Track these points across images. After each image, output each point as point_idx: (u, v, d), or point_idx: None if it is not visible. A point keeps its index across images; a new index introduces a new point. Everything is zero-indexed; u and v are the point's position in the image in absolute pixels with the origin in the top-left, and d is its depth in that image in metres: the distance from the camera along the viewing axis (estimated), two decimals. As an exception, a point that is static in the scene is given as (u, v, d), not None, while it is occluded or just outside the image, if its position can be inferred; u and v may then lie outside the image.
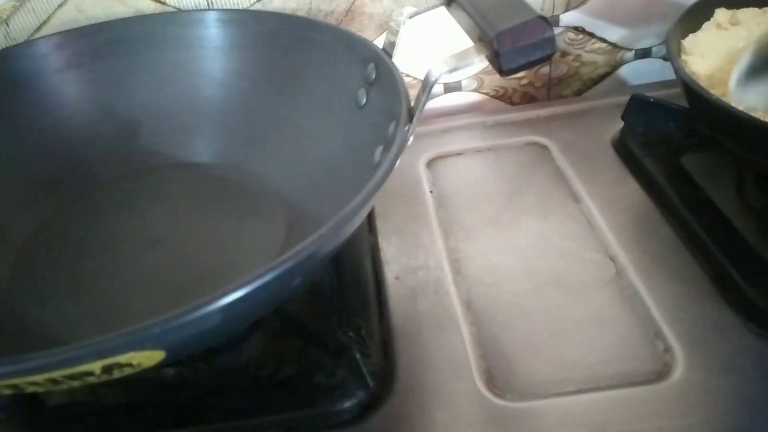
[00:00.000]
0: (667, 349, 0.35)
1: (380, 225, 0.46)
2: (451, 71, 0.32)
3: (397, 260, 0.43)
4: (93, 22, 0.49)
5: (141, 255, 0.41)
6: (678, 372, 0.34)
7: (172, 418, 0.35)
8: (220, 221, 0.43)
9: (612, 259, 0.41)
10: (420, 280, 0.41)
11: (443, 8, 0.38)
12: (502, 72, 0.31)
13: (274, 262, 0.26)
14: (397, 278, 0.42)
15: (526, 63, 0.31)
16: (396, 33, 0.39)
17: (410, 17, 0.39)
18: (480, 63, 0.32)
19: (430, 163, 0.52)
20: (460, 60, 0.32)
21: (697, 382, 0.33)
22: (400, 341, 0.37)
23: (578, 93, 0.60)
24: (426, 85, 0.33)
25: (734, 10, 0.47)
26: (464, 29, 0.35)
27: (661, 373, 0.34)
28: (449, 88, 0.58)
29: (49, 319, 0.38)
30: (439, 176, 0.50)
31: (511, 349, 0.36)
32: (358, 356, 0.34)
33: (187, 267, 0.40)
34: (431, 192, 0.49)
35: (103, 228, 0.43)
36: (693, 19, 0.47)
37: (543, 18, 0.31)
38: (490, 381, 0.35)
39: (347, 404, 0.34)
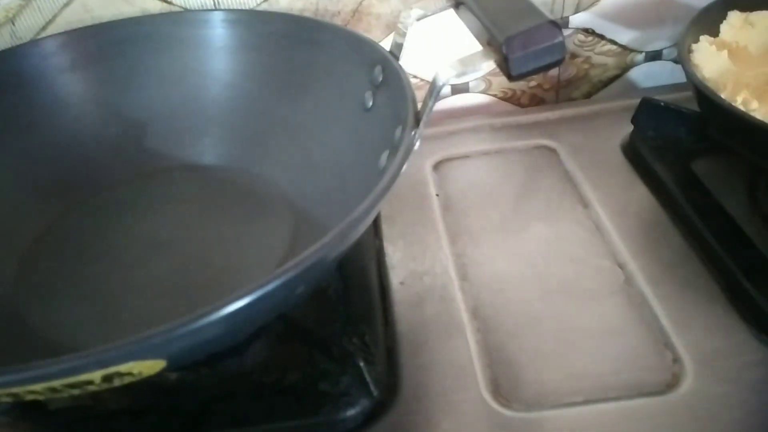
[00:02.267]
0: (676, 360, 0.35)
1: (386, 229, 0.45)
2: (458, 75, 0.32)
3: (402, 265, 0.42)
4: (99, 21, 0.49)
5: (147, 258, 0.41)
6: (687, 383, 0.33)
7: (175, 423, 0.35)
8: (225, 224, 0.42)
9: (621, 266, 0.40)
10: (426, 286, 0.41)
11: (451, 10, 0.37)
12: (511, 77, 0.31)
13: (277, 270, 0.25)
14: (402, 283, 0.41)
15: (536, 68, 0.31)
16: (403, 35, 0.39)
17: (418, 19, 0.39)
18: (488, 67, 0.32)
19: (437, 166, 0.51)
20: (467, 64, 0.32)
21: (706, 394, 0.33)
22: (405, 348, 0.37)
23: (587, 95, 0.59)
24: (433, 90, 0.32)
25: (747, 13, 0.46)
26: (472, 32, 0.35)
27: (670, 384, 0.34)
28: (456, 90, 0.57)
29: (55, 321, 0.37)
30: (446, 179, 0.50)
31: (518, 358, 0.36)
32: (362, 364, 0.33)
33: (192, 271, 0.40)
34: (437, 195, 0.48)
35: (108, 230, 0.43)
36: (706, 22, 0.46)
37: (553, 23, 0.30)
38: (497, 390, 0.34)
39: (351, 412, 0.33)
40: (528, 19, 0.30)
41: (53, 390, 0.24)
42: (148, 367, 0.25)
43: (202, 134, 0.46)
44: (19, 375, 0.22)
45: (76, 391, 0.25)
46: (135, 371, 0.24)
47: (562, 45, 0.30)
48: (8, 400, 0.25)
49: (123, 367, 0.24)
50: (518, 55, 0.30)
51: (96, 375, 0.23)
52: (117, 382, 0.25)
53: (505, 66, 0.30)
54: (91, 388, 0.25)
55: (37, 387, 0.23)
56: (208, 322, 0.24)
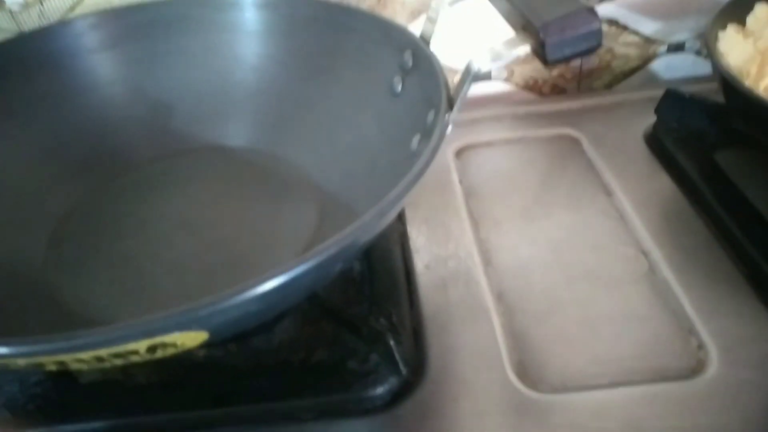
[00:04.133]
0: (701, 346, 0.35)
1: (409, 214, 0.46)
2: (493, 61, 0.32)
3: (426, 249, 0.43)
4: (127, 3, 0.49)
5: (174, 237, 0.41)
6: (712, 369, 0.34)
7: (204, 398, 0.35)
8: (252, 206, 0.43)
9: (645, 254, 0.41)
10: (450, 270, 0.41)
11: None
12: (547, 63, 0.31)
13: (318, 247, 0.26)
14: (427, 267, 0.42)
15: (572, 54, 0.31)
16: (434, 21, 0.39)
17: (449, 5, 0.39)
18: (522, 53, 0.32)
19: (459, 153, 0.51)
20: (503, 49, 0.32)
21: (731, 379, 0.33)
22: (430, 330, 0.37)
23: (608, 86, 0.60)
24: (467, 75, 0.33)
25: (775, 5, 0.46)
26: (505, 18, 0.35)
27: (695, 369, 0.34)
28: (478, 77, 0.57)
29: (84, 297, 0.38)
30: (469, 166, 0.50)
31: (542, 342, 0.36)
32: (391, 342, 0.34)
33: (219, 251, 0.40)
34: (460, 182, 0.48)
35: (136, 209, 0.43)
36: (733, 13, 0.46)
37: (591, 9, 0.30)
38: (522, 372, 0.35)
39: (379, 390, 0.34)
40: (565, 4, 0.31)
41: (99, 359, 0.24)
42: (191, 338, 0.25)
43: (229, 116, 0.47)
44: (71, 342, 0.23)
45: (120, 361, 0.25)
46: (179, 342, 0.25)
47: (599, 31, 0.30)
48: (54, 368, 0.25)
49: (168, 338, 0.24)
50: (555, 41, 0.30)
51: (142, 344, 0.24)
52: (160, 353, 0.25)
53: (541, 51, 0.31)
54: (135, 358, 0.25)
55: (85, 355, 0.24)
56: (251, 296, 0.24)
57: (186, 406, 0.35)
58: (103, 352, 0.24)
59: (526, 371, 0.35)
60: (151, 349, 0.25)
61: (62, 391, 0.36)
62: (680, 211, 0.44)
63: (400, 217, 0.46)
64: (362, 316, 0.37)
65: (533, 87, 0.59)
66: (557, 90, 0.59)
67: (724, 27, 0.46)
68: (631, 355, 0.35)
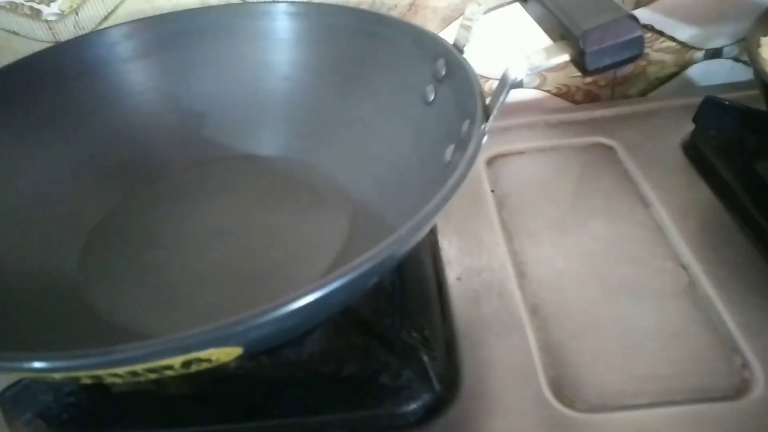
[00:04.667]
0: (745, 365, 0.34)
1: (440, 224, 0.45)
2: (531, 70, 0.31)
3: (458, 261, 0.42)
4: (159, 12, 0.49)
5: (206, 245, 0.41)
6: (758, 389, 0.33)
7: (235, 410, 0.35)
8: (283, 215, 0.43)
9: (684, 267, 0.40)
10: (483, 282, 0.40)
11: (517, 4, 0.37)
12: (587, 72, 0.30)
13: (355, 262, 0.25)
14: (459, 279, 0.41)
15: (612, 63, 0.30)
16: (469, 29, 0.38)
17: (485, 13, 0.38)
18: (561, 62, 0.31)
19: (491, 162, 0.51)
20: (542, 58, 0.31)
21: (778, 401, 0.32)
22: (464, 344, 0.37)
23: (643, 93, 0.58)
24: (505, 84, 0.32)
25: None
26: (542, 26, 0.34)
27: (740, 389, 0.33)
28: (514, 86, 0.57)
29: (117, 305, 0.38)
30: (500, 175, 0.49)
31: (579, 358, 0.35)
32: (425, 358, 0.33)
33: (251, 260, 0.40)
34: (492, 191, 0.48)
35: (168, 217, 0.43)
36: (775, 19, 0.45)
37: (632, 17, 0.29)
38: (558, 390, 0.34)
39: (412, 406, 0.33)
40: (605, 12, 0.30)
41: (134, 374, 0.24)
42: (226, 354, 0.25)
43: (261, 125, 0.47)
44: (106, 358, 0.22)
45: (153, 375, 0.25)
46: (213, 358, 0.25)
47: (641, 40, 0.29)
48: (89, 381, 0.25)
49: (203, 354, 0.24)
50: (595, 50, 0.29)
51: (177, 360, 0.24)
52: (194, 368, 0.25)
53: (581, 61, 0.30)
54: (169, 373, 0.25)
55: (120, 370, 0.24)
56: (288, 312, 0.24)
57: (217, 419, 0.35)
58: (138, 367, 0.24)
59: (562, 388, 0.34)
60: (186, 364, 0.25)
61: (95, 401, 0.37)
62: (720, 222, 0.42)
63: (432, 228, 0.45)
64: (394, 329, 0.36)
65: (566, 94, 0.58)
66: (590, 97, 0.58)
67: (766, 33, 0.44)
68: (671, 373, 0.34)
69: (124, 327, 0.37)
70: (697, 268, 0.39)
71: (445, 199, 0.28)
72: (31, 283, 0.38)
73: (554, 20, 0.32)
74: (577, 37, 0.29)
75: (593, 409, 0.33)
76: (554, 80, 0.57)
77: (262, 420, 0.34)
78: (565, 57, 0.31)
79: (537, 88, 0.57)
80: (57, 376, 0.24)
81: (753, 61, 0.42)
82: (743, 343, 0.35)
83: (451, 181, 0.29)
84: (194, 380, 0.36)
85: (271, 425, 0.34)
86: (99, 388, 0.37)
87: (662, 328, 0.36)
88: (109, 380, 0.25)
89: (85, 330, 0.36)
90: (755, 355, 0.34)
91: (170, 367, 0.24)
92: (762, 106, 0.44)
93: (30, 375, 0.31)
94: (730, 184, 0.44)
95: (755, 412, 0.32)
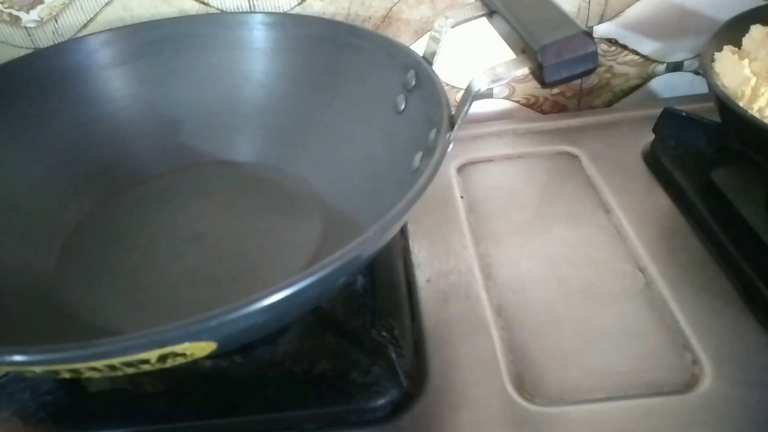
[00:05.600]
0: (696, 361, 0.36)
1: (411, 228, 0.47)
2: (493, 82, 0.33)
3: (428, 263, 0.44)
4: (138, 20, 0.50)
5: (182, 249, 0.42)
6: (706, 384, 0.35)
7: (209, 408, 0.36)
8: (258, 220, 0.44)
9: (641, 270, 0.42)
10: (451, 284, 0.42)
11: (483, 19, 0.39)
12: (545, 84, 0.32)
13: (324, 260, 0.27)
14: (428, 281, 0.43)
15: (569, 76, 0.32)
16: (438, 41, 0.40)
17: (452, 27, 0.40)
18: (521, 74, 0.33)
19: (461, 169, 0.52)
20: (502, 71, 0.33)
21: (725, 395, 0.34)
22: (431, 343, 0.38)
23: (608, 104, 0.61)
24: (468, 95, 0.34)
25: (770, 27, 0.47)
26: (505, 40, 0.36)
27: (690, 384, 0.35)
28: (480, 95, 0.58)
29: (94, 306, 0.39)
30: (470, 182, 0.51)
31: (541, 355, 0.37)
32: (393, 355, 0.35)
33: (226, 263, 0.41)
34: (462, 197, 0.49)
35: (145, 221, 0.44)
36: (729, 34, 0.47)
37: (587, 33, 0.31)
38: (520, 385, 0.36)
39: (381, 402, 0.35)
40: (562, 28, 0.32)
41: (112, 368, 0.25)
42: (200, 348, 0.26)
43: (237, 132, 0.48)
44: (85, 351, 0.24)
45: (131, 370, 0.26)
46: (188, 352, 0.26)
47: (595, 54, 0.31)
48: (68, 375, 0.26)
49: (178, 348, 0.25)
50: (553, 63, 0.31)
51: (153, 354, 0.25)
52: (170, 363, 0.26)
53: (539, 73, 0.32)
54: (146, 367, 0.26)
55: (98, 364, 0.25)
56: (259, 308, 0.25)
57: (192, 416, 0.36)
58: (116, 360, 0.25)
59: (523, 384, 0.36)
60: (162, 358, 0.26)
61: (72, 400, 0.37)
62: (676, 227, 0.44)
63: (402, 232, 0.47)
64: (365, 328, 0.38)
65: (534, 105, 0.60)
66: (558, 107, 0.60)
67: (720, 48, 0.47)
68: (626, 369, 0.36)
69: (101, 327, 0.38)
70: (653, 271, 0.41)
71: (410, 204, 0.30)
72: (8, 285, 0.39)
73: (516, 35, 0.34)
74: (536, 52, 0.31)
75: (552, 402, 0.35)
76: (523, 91, 0.59)
77: (236, 416, 0.36)
78: (525, 70, 0.33)
79: (507, 98, 0.59)
80: (37, 369, 0.25)
81: (707, 75, 0.44)
82: (694, 341, 0.37)
83: (416, 186, 0.30)
84: (170, 379, 0.38)
85: (245, 421, 0.35)
86: (76, 386, 0.37)
87: (619, 327, 0.38)
88: (88, 374, 0.26)
89: (62, 330, 0.37)
90: (705, 353, 0.36)
91: (147, 361, 0.26)
92: (718, 118, 0.46)
93: (11, 369, 0.32)
94: (687, 191, 0.46)
95: (703, 405, 0.34)
